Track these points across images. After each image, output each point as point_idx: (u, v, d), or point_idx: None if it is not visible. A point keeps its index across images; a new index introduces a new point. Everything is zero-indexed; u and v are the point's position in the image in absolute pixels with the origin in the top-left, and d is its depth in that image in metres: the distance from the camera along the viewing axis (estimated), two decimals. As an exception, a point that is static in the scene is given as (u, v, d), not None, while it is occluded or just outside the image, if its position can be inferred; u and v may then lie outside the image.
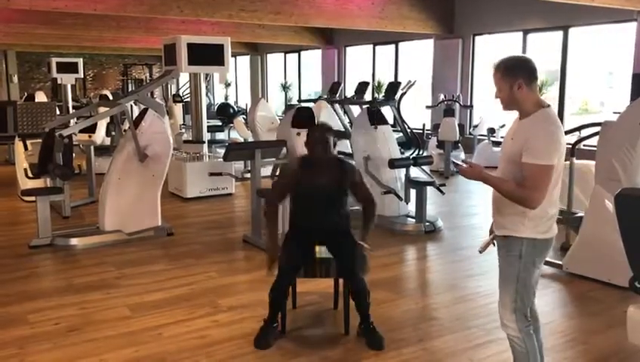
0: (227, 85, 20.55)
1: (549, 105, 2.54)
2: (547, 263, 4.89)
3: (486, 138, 10.40)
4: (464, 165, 2.58)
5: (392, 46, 13.80)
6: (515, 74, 2.49)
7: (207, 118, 9.11)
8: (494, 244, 2.81)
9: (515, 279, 2.60)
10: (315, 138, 3.57)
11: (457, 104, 10.58)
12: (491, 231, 2.85)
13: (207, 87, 16.56)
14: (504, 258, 2.65)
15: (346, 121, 9.05)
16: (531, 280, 2.62)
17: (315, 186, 3.54)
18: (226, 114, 12.94)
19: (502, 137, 9.43)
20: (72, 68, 13.58)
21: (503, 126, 9.78)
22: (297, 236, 3.64)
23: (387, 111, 7.44)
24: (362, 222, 3.65)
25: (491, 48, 11.49)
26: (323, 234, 3.63)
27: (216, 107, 15.31)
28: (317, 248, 3.73)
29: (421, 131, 9.96)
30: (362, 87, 9.70)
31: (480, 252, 2.84)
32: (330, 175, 3.56)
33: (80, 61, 13.83)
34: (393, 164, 6.11)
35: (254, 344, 3.48)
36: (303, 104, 10.14)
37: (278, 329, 3.61)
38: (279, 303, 3.56)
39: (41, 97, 13.44)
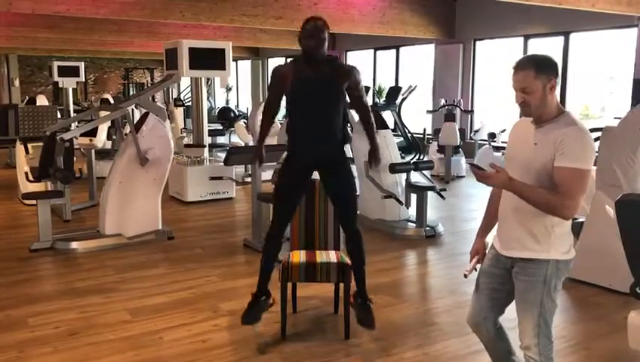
0: (228, 89, 20.57)
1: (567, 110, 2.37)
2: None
3: (487, 143, 10.39)
4: (490, 169, 2.26)
5: (393, 51, 13.82)
6: (549, 73, 2.27)
7: (208, 122, 9.11)
8: (476, 270, 2.65)
9: (538, 304, 2.39)
10: (307, 31, 3.31)
11: (458, 109, 10.59)
12: (476, 252, 2.68)
13: (208, 91, 16.58)
14: (524, 282, 2.41)
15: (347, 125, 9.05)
16: (555, 302, 2.44)
17: (309, 82, 3.30)
18: (226, 118, 12.98)
19: (503, 142, 9.44)
20: (73, 71, 13.62)
21: (504, 130, 9.78)
22: (291, 170, 3.47)
23: (388, 116, 7.45)
24: (368, 140, 3.56)
25: (492, 53, 11.51)
26: (319, 154, 3.43)
27: (217, 111, 15.35)
28: (317, 253, 3.74)
29: (422, 136, 9.96)
30: (363, 91, 9.70)
31: (465, 277, 2.63)
32: (324, 71, 3.31)
33: (81, 65, 13.87)
34: (394, 168, 6.11)
35: (242, 319, 3.45)
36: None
37: (270, 302, 3.57)
38: (270, 259, 3.50)
39: (42, 101, 13.47)
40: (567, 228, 2.40)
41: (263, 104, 3.61)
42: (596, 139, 4.90)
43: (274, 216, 3.54)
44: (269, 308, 3.60)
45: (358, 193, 6.02)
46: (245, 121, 11.88)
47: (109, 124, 8.16)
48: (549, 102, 2.30)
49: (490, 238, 2.66)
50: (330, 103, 3.38)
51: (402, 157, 6.77)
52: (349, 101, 3.52)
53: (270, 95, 3.55)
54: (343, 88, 3.40)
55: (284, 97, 3.48)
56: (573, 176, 2.22)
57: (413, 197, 6.24)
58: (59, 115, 9.98)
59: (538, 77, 2.26)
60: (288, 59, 16.62)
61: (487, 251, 2.67)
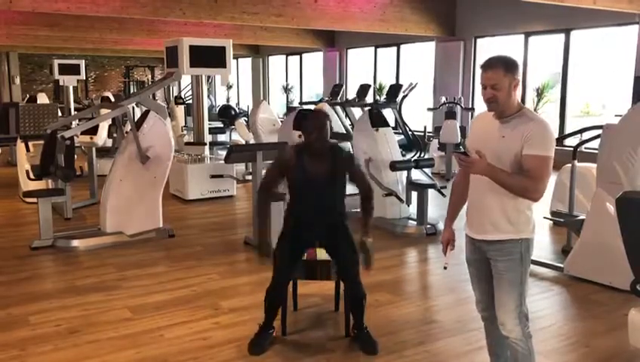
0: (229, 87, 20.57)
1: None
2: (548, 266, 4.89)
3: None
4: (474, 155, 2.46)
5: (394, 48, 13.81)
6: (514, 72, 2.50)
7: (209, 120, 9.11)
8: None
9: (518, 283, 2.59)
10: (311, 124, 3.44)
11: (459, 106, 10.57)
12: (448, 241, 2.86)
13: (208, 89, 16.58)
14: (503, 262, 2.60)
15: (348, 123, 9.06)
16: (528, 280, 2.66)
17: (311, 174, 3.42)
18: (227, 116, 12.94)
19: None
20: (74, 70, 13.63)
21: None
22: (292, 234, 3.53)
23: (388, 114, 7.45)
24: (362, 216, 3.53)
25: (493, 51, 11.49)
26: (319, 229, 3.51)
27: (217, 109, 15.32)
28: (317, 250, 3.74)
29: (422, 134, 9.96)
30: (364, 89, 9.71)
31: (445, 268, 2.79)
32: (326, 163, 3.43)
33: (82, 63, 13.87)
34: (395, 166, 6.11)
35: (248, 349, 3.44)
36: (305, 106, 10.14)
37: (274, 335, 3.59)
38: (275, 307, 3.53)
39: (43, 99, 13.48)
40: (532, 209, 2.61)
41: (262, 184, 3.61)
42: (596, 137, 4.92)
43: (276, 272, 3.50)
44: (273, 342, 3.57)
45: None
46: (246, 119, 11.87)
47: (109, 122, 8.18)
48: (512, 99, 2.52)
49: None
50: (329, 191, 3.50)
51: (403, 155, 6.77)
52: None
53: (270, 177, 3.58)
54: (344, 175, 3.52)
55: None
56: (542, 163, 2.45)
57: (414, 194, 6.24)
58: (59, 113, 10.00)
59: (506, 75, 2.48)
60: (289, 56, 16.51)
61: (456, 239, 2.86)
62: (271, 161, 3.69)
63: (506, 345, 2.73)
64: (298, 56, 17.50)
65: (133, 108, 7.21)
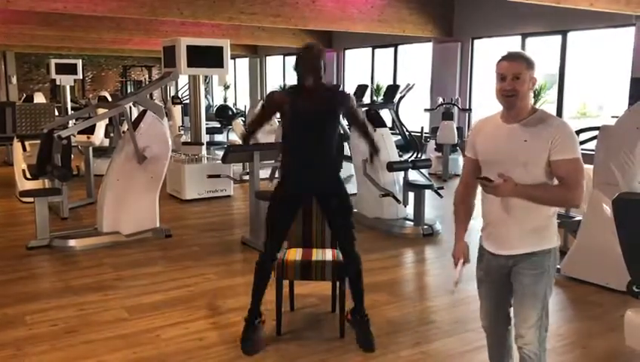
0: (226, 87, 20.56)
1: None
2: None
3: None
4: (498, 180, 2.29)
5: (391, 49, 13.81)
6: (533, 70, 2.38)
7: (206, 120, 9.09)
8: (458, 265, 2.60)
9: (543, 296, 2.43)
10: (304, 61, 3.29)
11: (456, 107, 10.58)
12: (463, 255, 2.63)
13: (206, 89, 16.56)
14: (530, 276, 2.42)
15: (345, 123, 9.06)
16: (552, 291, 2.50)
17: (305, 112, 3.27)
18: (224, 116, 12.95)
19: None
20: (71, 69, 13.62)
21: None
22: (288, 193, 3.45)
23: (386, 115, 7.46)
24: (369, 154, 3.69)
25: (490, 52, 11.51)
26: (314, 185, 3.43)
27: (215, 109, 15.32)
28: (313, 251, 3.74)
29: (419, 134, 9.96)
30: (361, 90, 9.71)
31: (456, 285, 2.63)
32: (320, 100, 3.28)
33: (79, 62, 13.86)
34: (392, 167, 6.11)
35: (241, 348, 3.42)
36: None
37: (263, 322, 3.55)
38: (262, 285, 3.47)
39: (39, 98, 13.43)
40: (555, 216, 2.49)
41: (248, 123, 3.64)
42: (593, 138, 4.93)
43: (267, 240, 3.49)
44: (262, 329, 3.56)
45: (355, 192, 6.03)
46: (243, 119, 11.87)
47: (106, 121, 8.16)
48: (528, 97, 2.39)
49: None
50: (325, 132, 3.38)
51: (400, 156, 6.77)
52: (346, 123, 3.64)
53: (259, 117, 3.55)
54: (339, 116, 3.45)
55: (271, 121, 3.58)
56: (576, 166, 2.31)
57: (411, 195, 6.24)
58: (56, 113, 9.98)
59: (528, 69, 2.37)
60: (286, 57, 16.47)
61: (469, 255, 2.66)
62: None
63: (511, 352, 2.70)
64: (295, 57, 17.47)
65: (130, 107, 7.20)
